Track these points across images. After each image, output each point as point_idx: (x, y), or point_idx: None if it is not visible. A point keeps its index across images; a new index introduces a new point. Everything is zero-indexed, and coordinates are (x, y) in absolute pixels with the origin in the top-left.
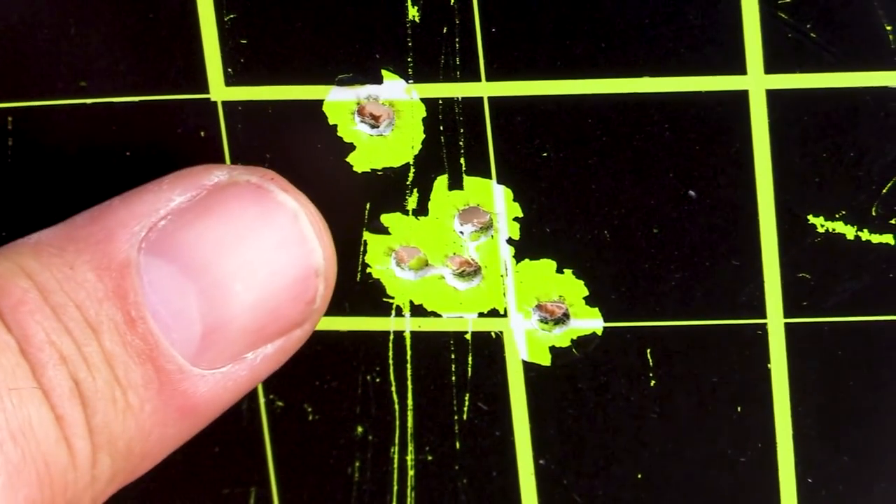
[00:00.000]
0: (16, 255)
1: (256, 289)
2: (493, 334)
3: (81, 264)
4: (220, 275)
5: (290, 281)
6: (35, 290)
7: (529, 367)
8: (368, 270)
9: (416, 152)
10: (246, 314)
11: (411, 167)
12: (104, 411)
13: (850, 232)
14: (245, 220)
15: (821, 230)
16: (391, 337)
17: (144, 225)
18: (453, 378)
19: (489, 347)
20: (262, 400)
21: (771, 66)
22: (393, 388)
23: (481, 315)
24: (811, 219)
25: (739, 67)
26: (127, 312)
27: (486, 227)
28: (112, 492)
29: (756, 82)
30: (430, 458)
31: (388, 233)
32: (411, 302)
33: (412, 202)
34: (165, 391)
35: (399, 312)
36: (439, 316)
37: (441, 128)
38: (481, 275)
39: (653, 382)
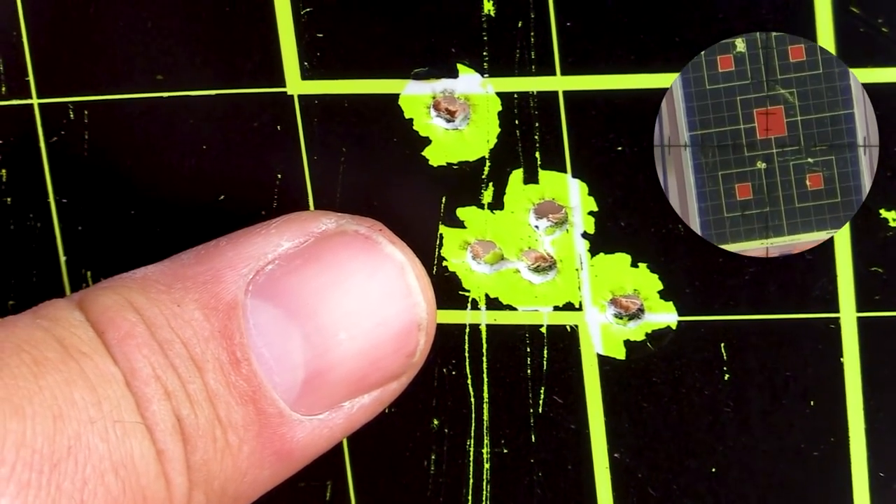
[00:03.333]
0: (123, 289)
1: (360, 338)
2: (568, 328)
3: (189, 302)
4: (325, 322)
5: (393, 333)
6: (143, 325)
7: (604, 361)
8: (444, 264)
9: (492, 146)
10: (348, 363)
11: (487, 161)
12: (204, 449)
13: None
14: (353, 270)
15: (893, 224)
16: (467, 330)
17: (252, 268)
18: (528, 371)
19: (564, 341)
20: None
21: (843, 61)
22: (469, 381)
23: (556, 309)
24: (883, 213)
25: None
26: (232, 353)
27: (562, 222)
28: None
29: None
30: (505, 451)
31: (464, 226)
32: (487, 295)
33: (487, 196)
34: (264, 434)
35: (475, 306)
36: (515, 309)
37: (516, 122)
38: (556, 269)
39: (727, 376)
